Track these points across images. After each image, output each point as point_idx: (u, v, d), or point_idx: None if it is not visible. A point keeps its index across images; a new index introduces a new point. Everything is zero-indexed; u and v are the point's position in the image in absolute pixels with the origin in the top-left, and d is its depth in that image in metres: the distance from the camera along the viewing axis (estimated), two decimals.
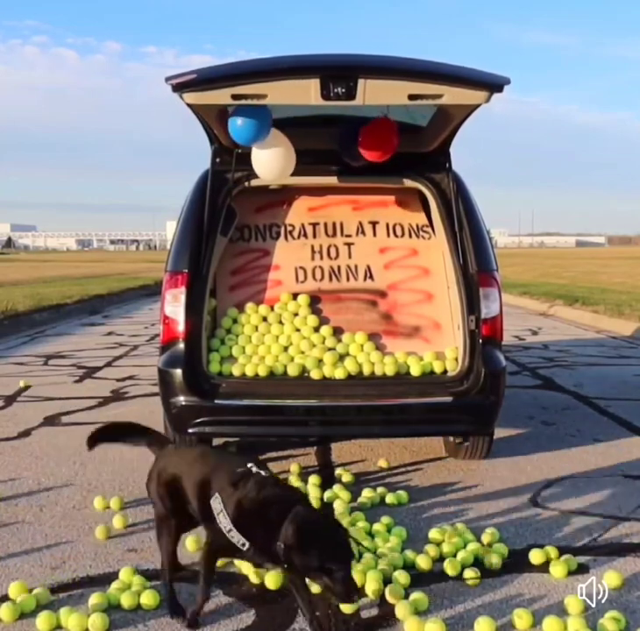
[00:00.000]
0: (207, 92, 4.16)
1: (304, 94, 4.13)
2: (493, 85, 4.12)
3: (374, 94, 4.14)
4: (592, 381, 8.17)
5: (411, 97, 4.18)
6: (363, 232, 5.45)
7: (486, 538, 3.71)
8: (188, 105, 4.37)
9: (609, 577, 3.25)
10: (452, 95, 4.16)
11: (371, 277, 5.33)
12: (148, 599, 3.13)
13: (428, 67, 4.21)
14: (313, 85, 4.06)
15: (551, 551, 3.52)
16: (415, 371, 4.84)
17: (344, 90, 4.06)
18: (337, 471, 4.87)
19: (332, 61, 4.25)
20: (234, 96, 4.16)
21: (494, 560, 3.46)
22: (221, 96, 4.19)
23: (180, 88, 4.10)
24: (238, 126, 4.54)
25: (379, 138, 4.86)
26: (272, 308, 5.23)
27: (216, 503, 2.96)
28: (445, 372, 4.85)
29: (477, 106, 4.40)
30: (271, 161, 4.72)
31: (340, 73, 4.09)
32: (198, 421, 4.64)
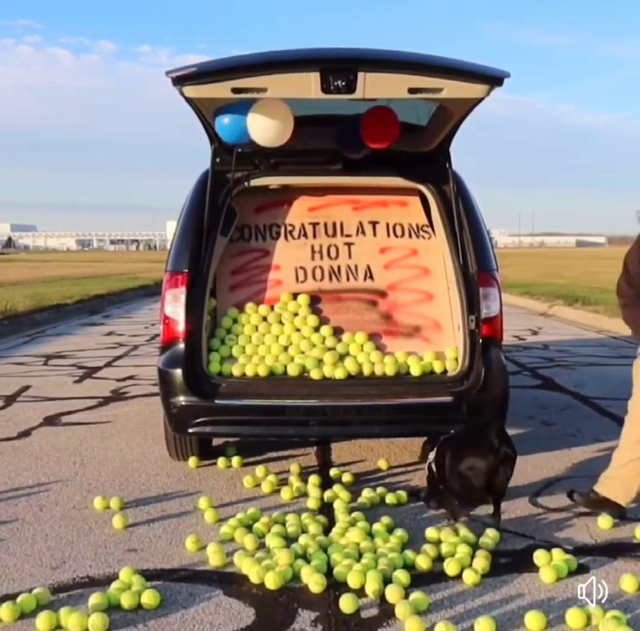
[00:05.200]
0: (207, 85, 4.15)
1: (304, 87, 4.13)
2: (493, 78, 4.12)
3: (374, 87, 4.14)
4: (592, 381, 8.16)
5: (411, 91, 4.18)
6: (363, 232, 5.45)
7: (485, 538, 3.71)
8: (188, 100, 4.35)
9: (626, 582, 3.23)
10: (452, 89, 4.15)
11: (371, 277, 5.33)
12: (148, 598, 3.13)
13: (428, 60, 4.22)
14: (313, 78, 4.06)
15: (552, 551, 3.52)
16: (415, 371, 4.84)
17: (344, 84, 4.06)
18: (337, 471, 4.87)
19: (332, 55, 4.25)
20: (234, 90, 4.15)
21: (483, 564, 3.44)
22: (221, 90, 4.18)
23: (180, 81, 4.09)
24: (225, 125, 4.52)
25: (381, 123, 4.84)
26: (272, 308, 5.23)
27: None
28: (445, 371, 4.85)
29: (477, 101, 4.39)
30: (267, 127, 4.57)
31: (340, 66, 4.10)
32: (198, 421, 4.64)
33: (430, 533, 3.79)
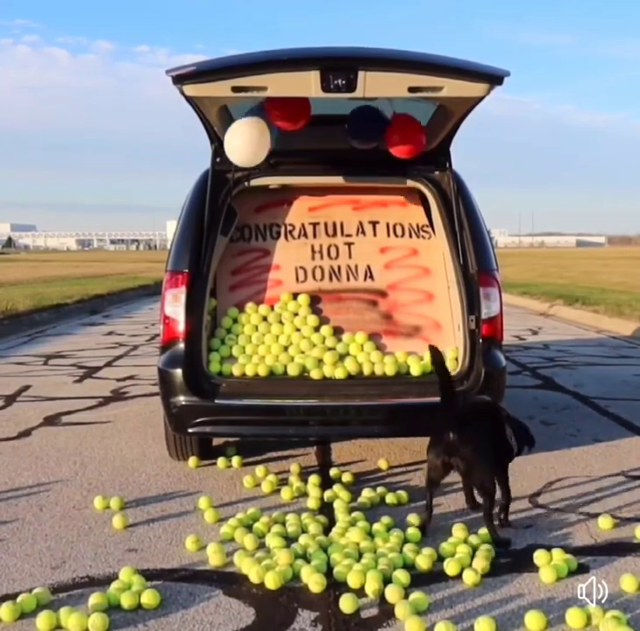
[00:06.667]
0: (207, 84, 4.14)
1: (305, 86, 4.12)
2: (493, 77, 4.11)
3: (375, 86, 4.13)
4: (592, 381, 8.16)
5: (411, 90, 4.17)
6: (363, 232, 5.45)
7: (480, 538, 3.71)
8: (188, 99, 4.35)
9: (626, 582, 3.23)
10: (452, 88, 4.15)
11: (371, 277, 5.34)
12: (148, 598, 3.13)
13: (428, 59, 4.22)
14: (313, 77, 4.05)
15: (552, 551, 3.52)
16: (415, 371, 4.84)
17: (344, 82, 4.05)
18: (337, 470, 4.86)
19: (333, 53, 4.24)
20: (234, 89, 4.15)
21: (483, 564, 3.44)
22: (221, 88, 4.17)
23: (180, 80, 4.09)
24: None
25: (407, 134, 4.84)
26: (272, 308, 5.23)
27: None
28: None
29: (477, 100, 4.38)
30: (243, 145, 4.59)
31: (340, 64, 4.09)
32: (198, 421, 4.64)
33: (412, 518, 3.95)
